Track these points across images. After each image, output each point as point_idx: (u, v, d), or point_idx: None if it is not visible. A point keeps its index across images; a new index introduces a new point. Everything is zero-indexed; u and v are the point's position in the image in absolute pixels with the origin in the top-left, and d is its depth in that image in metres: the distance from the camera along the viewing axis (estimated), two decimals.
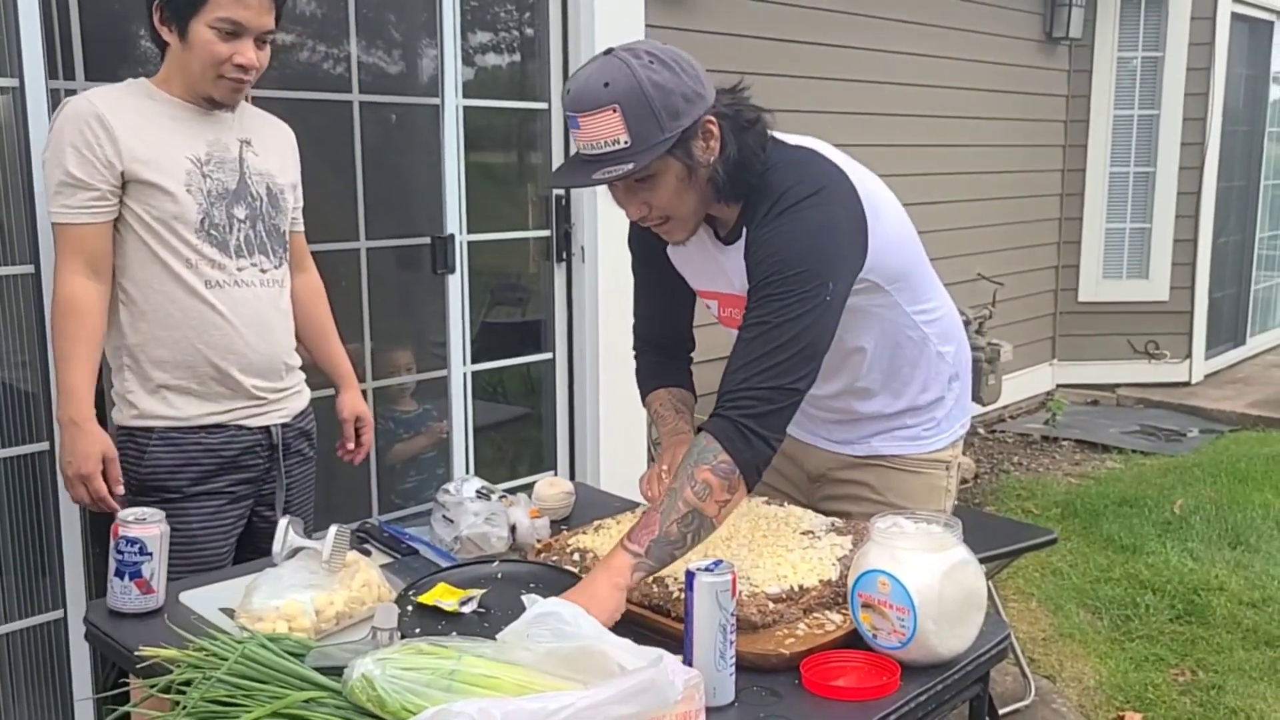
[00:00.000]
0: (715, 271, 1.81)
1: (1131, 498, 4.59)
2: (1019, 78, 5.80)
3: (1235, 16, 6.55)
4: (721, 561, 1.40)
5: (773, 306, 1.57)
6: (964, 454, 5.27)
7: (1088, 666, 3.26)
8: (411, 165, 3.16)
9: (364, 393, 2.51)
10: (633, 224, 1.90)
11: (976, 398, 5.21)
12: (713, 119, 1.60)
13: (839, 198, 1.64)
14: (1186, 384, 6.56)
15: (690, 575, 1.37)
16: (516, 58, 3.48)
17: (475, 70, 3.33)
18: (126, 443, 2.03)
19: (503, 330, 3.53)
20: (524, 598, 1.33)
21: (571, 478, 3.40)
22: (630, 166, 1.54)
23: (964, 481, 5.00)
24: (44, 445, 2.38)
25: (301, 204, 2.24)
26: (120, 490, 1.97)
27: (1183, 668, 3.22)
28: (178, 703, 1.29)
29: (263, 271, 2.07)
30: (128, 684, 1.53)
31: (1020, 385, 6.08)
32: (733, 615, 1.38)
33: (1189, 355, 6.58)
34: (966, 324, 5.29)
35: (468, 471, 3.18)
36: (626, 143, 1.53)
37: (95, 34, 2.48)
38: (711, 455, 1.53)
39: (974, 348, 5.22)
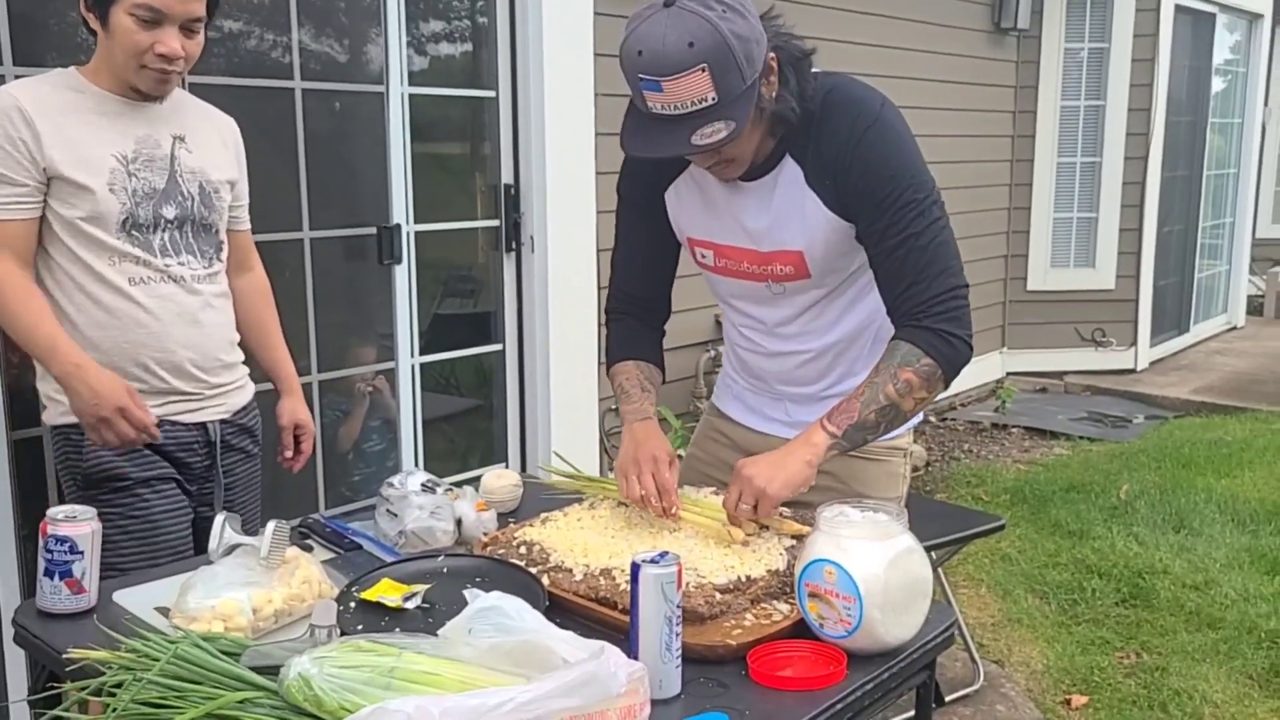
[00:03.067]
0: (722, 215, 1.78)
1: (1079, 484, 4.65)
2: (968, 68, 5.84)
3: (1179, 9, 6.65)
4: (667, 553, 1.38)
5: (911, 215, 1.63)
6: (915, 442, 5.32)
7: (1035, 651, 3.29)
8: (357, 154, 3.11)
9: (309, 386, 2.46)
10: (626, 168, 1.89)
11: None
12: (773, 54, 1.59)
13: (893, 107, 1.71)
14: (1132, 371, 6.67)
15: (635, 567, 1.36)
16: (465, 45, 3.44)
17: (422, 58, 3.28)
18: (62, 443, 1.97)
19: (452, 321, 3.49)
20: (465, 592, 1.30)
21: (523, 470, 3.37)
22: (727, 129, 1.51)
23: (915, 469, 5.04)
24: None
25: (245, 201, 2.17)
26: (152, 417, 1.89)
27: (1128, 650, 3.27)
28: (109, 705, 1.26)
29: (191, 271, 2.00)
30: (59, 687, 1.48)
31: (971, 374, 6.13)
32: (678, 607, 1.36)
33: (1134, 343, 6.68)
34: None
35: (417, 464, 3.14)
36: (714, 99, 1.50)
37: (23, 19, 2.41)
38: (915, 358, 1.64)
39: None
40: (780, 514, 1.72)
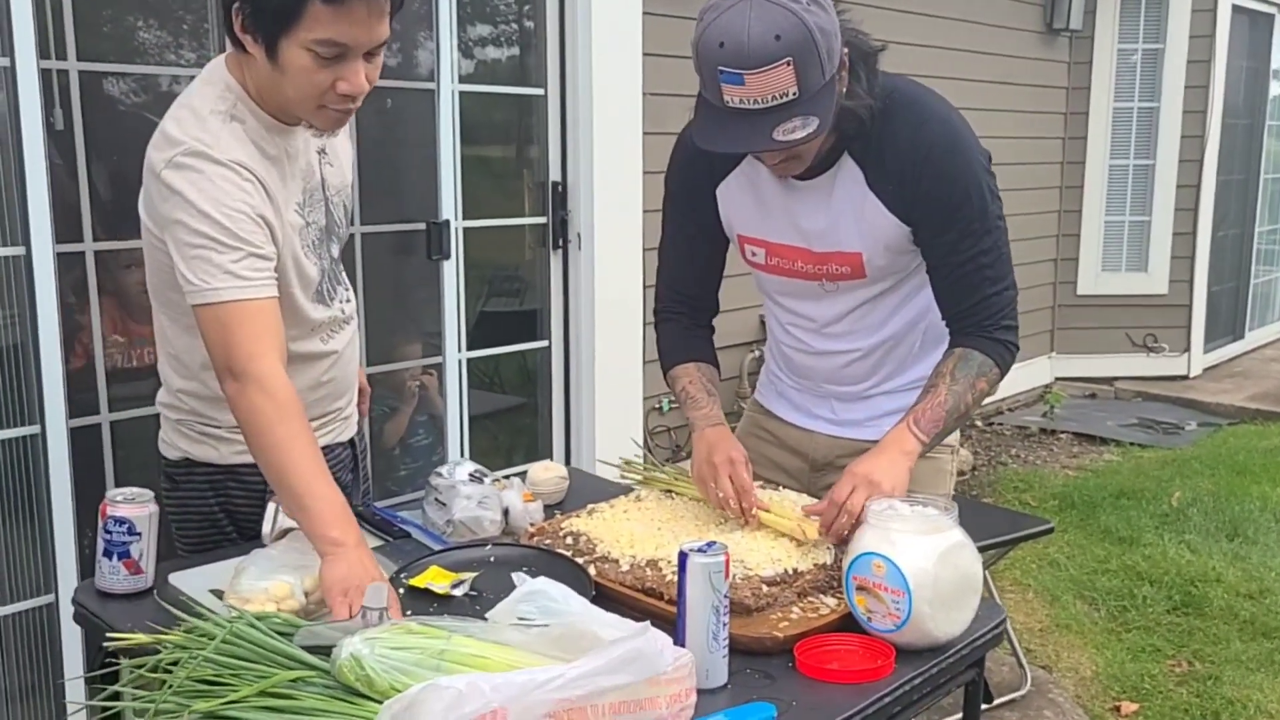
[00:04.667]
0: (775, 214, 1.76)
1: (1129, 490, 4.58)
2: (1019, 69, 5.78)
3: (1236, 9, 6.53)
4: (715, 543, 1.38)
5: (981, 233, 1.67)
6: (962, 446, 5.27)
7: (1084, 657, 3.25)
8: (407, 151, 3.15)
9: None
10: (675, 162, 1.85)
11: None
12: (845, 49, 1.57)
13: (955, 111, 1.73)
14: (1185, 377, 6.55)
15: (683, 556, 1.36)
16: (514, 44, 3.46)
17: (472, 57, 3.31)
18: (230, 482, 1.77)
19: (499, 318, 3.51)
20: (513, 575, 1.31)
21: (567, 465, 3.38)
22: (806, 126, 1.48)
23: (961, 473, 4.99)
24: (34, 429, 2.36)
25: None
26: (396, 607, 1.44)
27: (1179, 658, 3.21)
28: (164, 682, 1.28)
29: (350, 304, 1.85)
30: (116, 664, 1.51)
31: (1018, 378, 6.07)
32: (725, 597, 1.36)
33: (1187, 349, 6.56)
34: None
35: (469, 459, 3.16)
36: (795, 94, 1.47)
37: (87, 13, 2.46)
38: (988, 368, 1.70)
39: None
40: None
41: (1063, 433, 5.66)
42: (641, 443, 3.55)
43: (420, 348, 3.24)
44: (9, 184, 2.29)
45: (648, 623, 1.19)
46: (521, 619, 1.26)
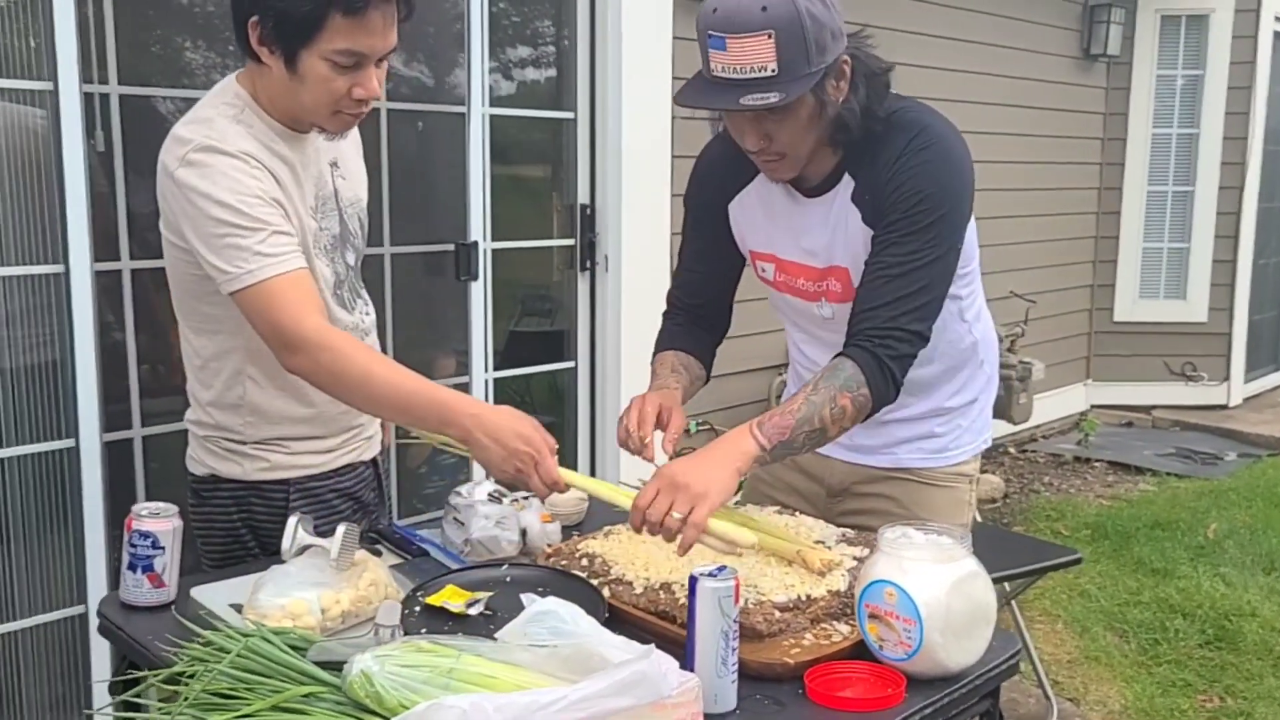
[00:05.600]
0: (783, 230, 1.78)
1: (1164, 521, 4.52)
2: (1055, 94, 5.75)
3: (1278, 35, 6.46)
4: (725, 567, 1.38)
5: (919, 243, 1.59)
6: (994, 473, 5.22)
7: (1113, 690, 3.20)
8: (437, 172, 3.19)
9: None
10: (694, 176, 1.89)
11: (1007, 416, 5.16)
12: (848, 59, 1.59)
13: (965, 148, 1.68)
14: (1224, 407, 6.45)
15: (693, 580, 1.36)
16: (545, 68, 3.51)
17: (504, 80, 3.35)
18: (254, 498, 1.80)
19: (526, 338, 3.54)
20: (523, 596, 1.33)
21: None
22: (776, 97, 1.50)
23: (992, 500, 4.95)
24: (69, 442, 2.41)
25: None
26: (555, 445, 1.58)
27: (1211, 694, 3.16)
28: (182, 694, 1.30)
29: (369, 317, 1.89)
30: (138, 674, 1.54)
31: (1053, 405, 6.01)
32: (735, 621, 1.36)
33: (1227, 378, 6.47)
34: (998, 340, 5.27)
35: (489, 478, 3.18)
36: (774, 71, 1.50)
37: (129, 38, 2.52)
38: (855, 385, 1.59)
39: (1005, 366, 5.18)
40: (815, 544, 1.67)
41: (1097, 461, 5.59)
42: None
43: (448, 367, 3.27)
44: (50, 204, 2.35)
45: (652, 646, 1.20)
46: (530, 639, 1.28)
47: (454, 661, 1.26)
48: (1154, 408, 6.38)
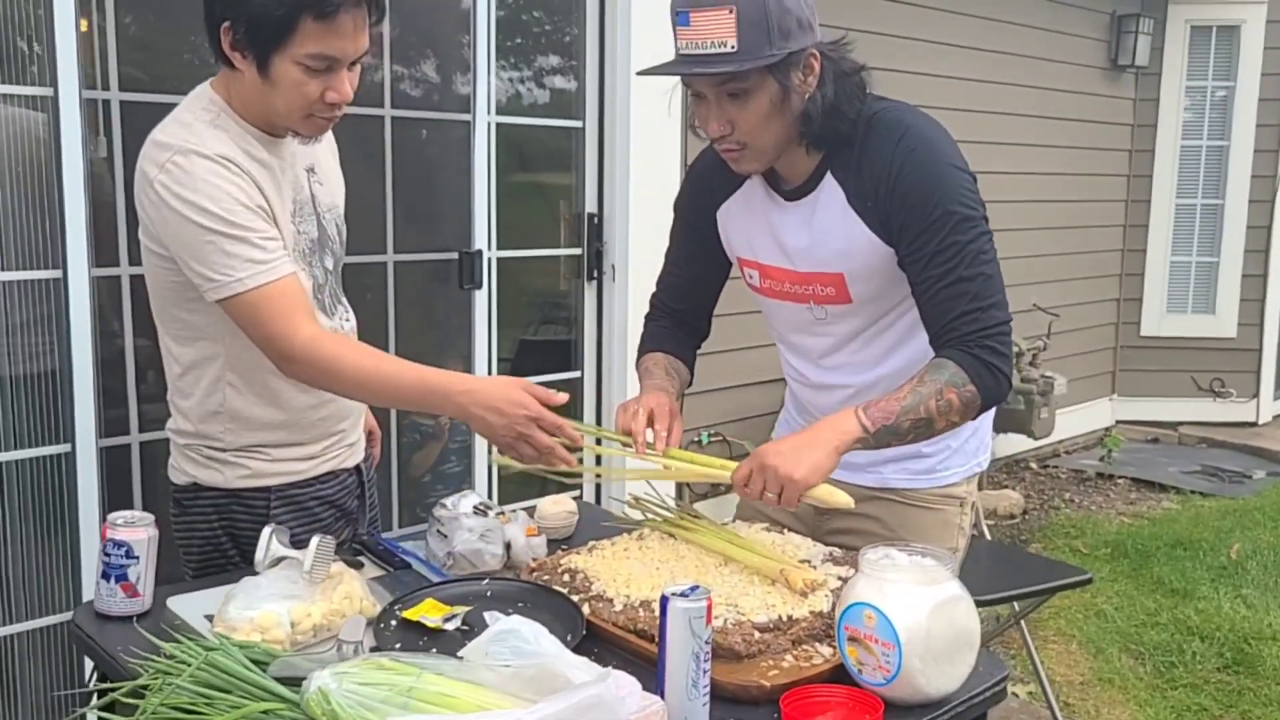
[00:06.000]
0: (764, 234, 1.78)
1: (1186, 540, 4.43)
2: (1082, 105, 5.68)
3: None
4: (698, 587, 1.35)
5: (957, 244, 1.59)
6: (1014, 489, 5.14)
7: (1126, 714, 3.13)
8: (442, 181, 3.18)
9: (387, 409, 2.49)
10: (685, 184, 1.92)
11: (1027, 431, 5.08)
12: (816, 54, 1.60)
13: (946, 133, 1.67)
14: (1253, 424, 6.33)
15: (664, 599, 1.33)
16: (553, 76, 3.49)
17: (510, 88, 3.34)
18: (235, 506, 1.78)
19: (531, 347, 3.52)
20: (486, 614, 1.30)
21: (596, 499, 3.37)
22: (730, 68, 1.53)
23: (1011, 517, 4.87)
24: (65, 447, 2.42)
25: None
26: (559, 399, 1.62)
27: (1227, 719, 3.08)
28: (141, 707, 1.29)
29: (349, 323, 1.88)
30: (103, 686, 1.53)
31: (1076, 420, 5.92)
32: (707, 643, 1.33)
33: (1256, 395, 6.34)
34: (1019, 355, 5.19)
35: (491, 489, 3.17)
36: (733, 48, 1.52)
37: (130, 45, 2.53)
38: (961, 382, 1.60)
39: (1026, 380, 5.11)
40: (803, 563, 1.65)
41: (1120, 478, 5.50)
42: None
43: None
44: (50, 210, 2.36)
45: (610, 669, 1.17)
46: (492, 658, 1.25)
47: (414, 680, 1.23)
48: (1180, 424, 6.27)
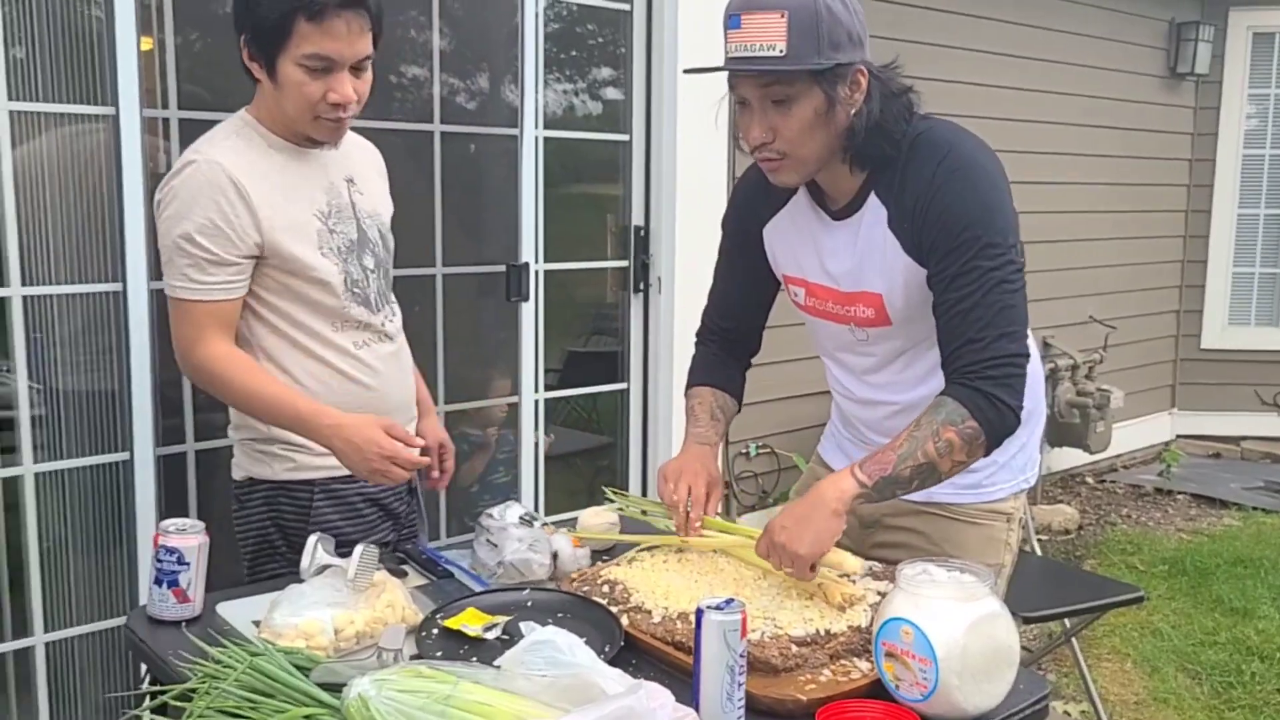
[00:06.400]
0: (810, 252, 1.78)
1: (1247, 558, 4.32)
2: (1140, 114, 5.59)
3: None
4: (734, 600, 1.36)
5: (981, 269, 1.57)
6: (1069, 504, 5.06)
7: None
8: (490, 194, 3.22)
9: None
10: (732, 201, 1.93)
11: (1083, 445, 5.00)
12: (864, 70, 1.60)
13: (993, 157, 1.66)
14: None
15: (700, 613, 1.34)
16: (600, 91, 3.52)
17: (558, 102, 3.37)
18: (282, 498, 1.89)
19: (578, 359, 3.54)
20: (522, 625, 1.32)
21: (643, 510, 3.37)
22: (777, 69, 1.54)
23: (1065, 532, 4.79)
24: (124, 455, 2.48)
25: None
26: (418, 443, 1.81)
27: None
28: (188, 710, 1.32)
29: (393, 324, 1.98)
30: (153, 689, 1.57)
31: (1134, 434, 5.81)
32: (742, 656, 1.34)
33: None
34: (1074, 368, 5.11)
35: (536, 500, 3.19)
36: (781, 52, 1.53)
37: (189, 64, 2.60)
38: (960, 419, 1.57)
39: (1082, 393, 5.03)
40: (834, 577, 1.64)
41: (1180, 493, 5.38)
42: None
43: (504, 388, 3.29)
44: (111, 225, 2.43)
45: (642, 681, 1.18)
46: (527, 668, 1.26)
47: (451, 688, 1.25)
48: (1243, 439, 6.12)
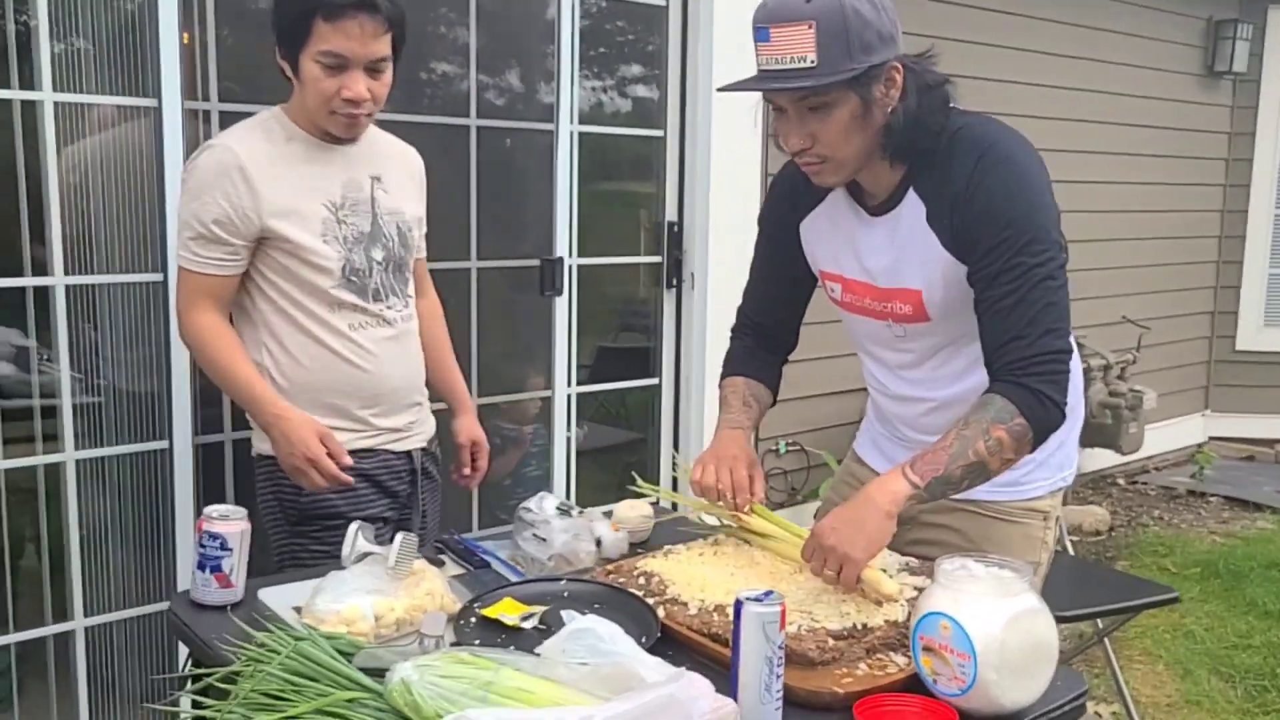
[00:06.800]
0: (847, 248, 1.78)
1: None
2: (1176, 113, 5.53)
3: None
4: (772, 592, 1.36)
5: (1023, 267, 1.56)
6: (1100, 505, 5.02)
7: None
8: (525, 189, 3.23)
9: None
10: (769, 197, 1.93)
11: (1115, 446, 4.95)
12: (898, 66, 1.59)
13: (1034, 153, 1.65)
14: None
15: (739, 604, 1.34)
16: (635, 86, 3.53)
17: (593, 98, 3.38)
18: (278, 472, 2.00)
19: (610, 354, 3.55)
20: (563, 613, 1.33)
21: (674, 506, 3.38)
22: (809, 83, 1.53)
23: (1097, 533, 4.76)
24: (163, 443, 2.52)
25: (424, 230, 2.22)
26: (347, 461, 1.94)
27: None
28: (233, 691, 1.34)
29: (397, 312, 2.07)
30: (197, 671, 1.59)
31: (1167, 435, 5.76)
32: (780, 648, 1.34)
33: None
34: (1106, 368, 5.06)
35: (569, 494, 3.21)
36: (813, 63, 1.52)
37: (229, 57, 2.63)
38: (1008, 416, 1.57)
39: (1114, 394, 4.98)
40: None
41: (1213, 496, 5.33)
42: None
43: (538, 383, 3.30)
44: (152, 215, 2.46)
45: (684, 669, 1.18)
46: (568, 656, 1.27)
47: (492, 675, 1.26)
48: (1277, 442, 6.05)
